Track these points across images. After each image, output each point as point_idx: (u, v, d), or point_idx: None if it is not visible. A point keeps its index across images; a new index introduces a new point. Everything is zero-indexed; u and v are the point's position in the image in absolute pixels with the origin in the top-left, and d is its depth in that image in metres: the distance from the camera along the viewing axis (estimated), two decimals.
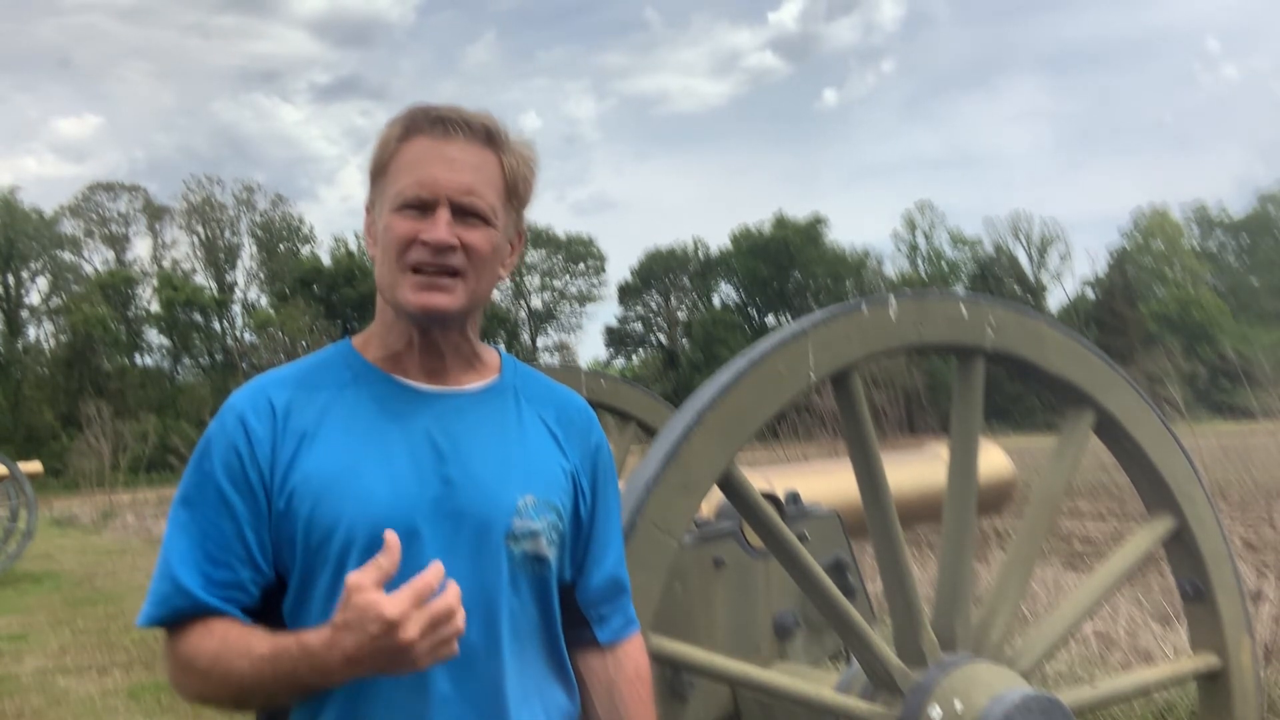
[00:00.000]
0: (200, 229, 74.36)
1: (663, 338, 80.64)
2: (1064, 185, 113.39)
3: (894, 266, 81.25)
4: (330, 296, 70.20)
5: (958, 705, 2.40)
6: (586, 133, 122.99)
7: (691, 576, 2.99)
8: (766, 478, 3.48)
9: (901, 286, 71.79)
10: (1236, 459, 13.99)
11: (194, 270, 74.37)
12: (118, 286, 69.64)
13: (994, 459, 4.36)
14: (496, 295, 1.93)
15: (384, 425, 1.61)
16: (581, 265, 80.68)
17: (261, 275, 75.27)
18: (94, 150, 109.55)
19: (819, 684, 2.66)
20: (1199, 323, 67.12)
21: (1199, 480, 2.90)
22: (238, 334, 72.23)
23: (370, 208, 1.70)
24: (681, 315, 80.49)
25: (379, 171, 1.66)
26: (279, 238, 76.01)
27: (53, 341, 68.85)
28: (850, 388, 2.49)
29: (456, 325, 1.66)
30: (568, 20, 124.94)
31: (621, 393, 5.42)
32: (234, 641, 1.51)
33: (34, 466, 19.10)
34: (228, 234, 75.18)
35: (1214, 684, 2.93)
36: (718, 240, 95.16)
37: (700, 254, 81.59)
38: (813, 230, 78.84)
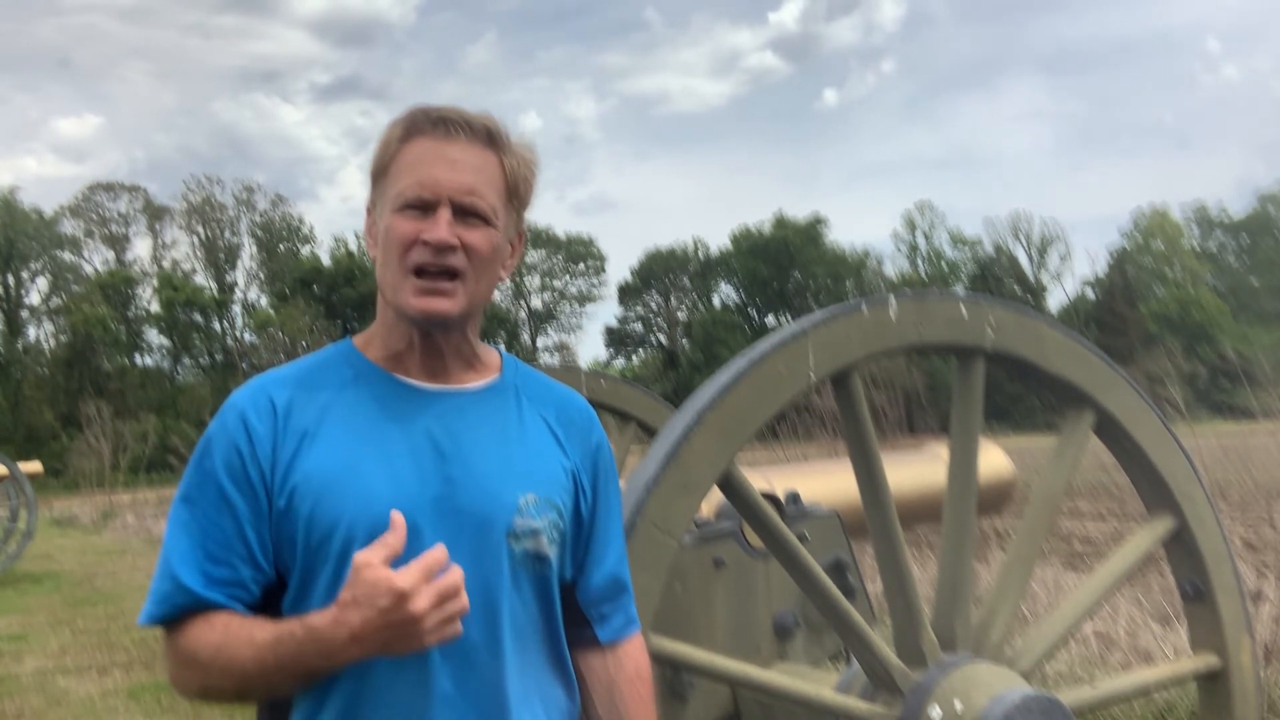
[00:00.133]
0: (200, 229, 74.40)
1: (663, 338, 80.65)
2: (1064, 185, 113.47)
3: (894, 266, 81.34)
4: (330, 296, 70.20)
5: (958, 705, 2.40)
6: (587, 133, 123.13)
7: (691, 576, 2.99)
8: (766, 478, 3.49)
9: (901, 286, 71.82)
10: (1236, 459, 13.99)
11: (194, 270, 74.43)
12: (118, 286, 69.65)
13: (994, 459, 4.36)
14: (496, 295, 1.93)
15: (385, 424, 1.61)
16: (581, 265, 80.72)
17: (261, 275, 75.31)
18: (94, 150, 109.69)
19: (819, 684, 2.66)
20: (1199, 323, 67.11)
21: (1199, 480, 2.90)
22: (238, 334, 72.28)
23: (371, 209, 1.70)
24: (681, 315, 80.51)
25: (380, 172, 1.66)
26: (279, 238, 76.01)
27: (53, 341, 68.91)
28: (850, 388, 2.49)
29: (457, 328, 1.66)
30: (568, 20, 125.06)
31: (621, 393, 5.42)
32: (235, 631, 1.52)
33: (34, 466, 19.11)
34: (228, 234, 75.21)
35: (1214, 684, 2.93)
36: (718, 240, 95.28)
37: (700, 254, 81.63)
38: (813, 230, 78.85)
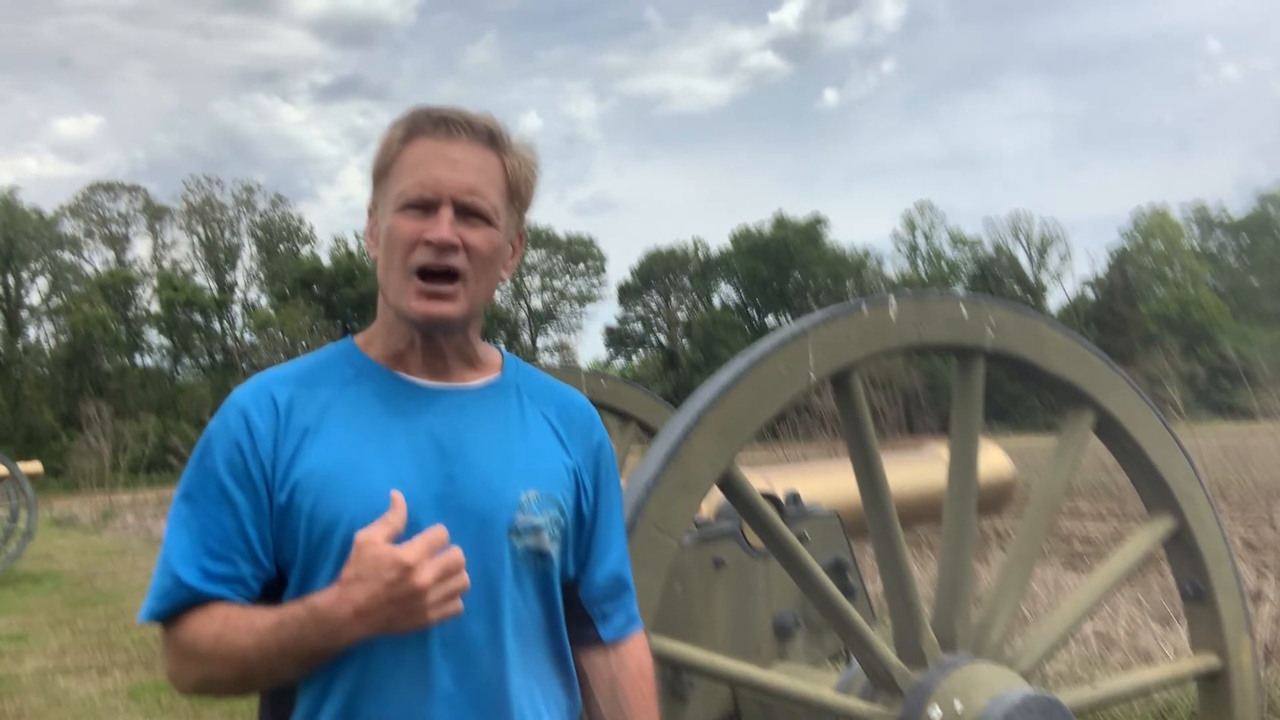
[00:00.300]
0: (200, 229, 74.40)
1: (663, 338, 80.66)
2: (1064, 185, 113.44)
3: (894, 267, 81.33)
4: (330, 296, 70.20)
5: (958, 705, 2.40)
6: (587, 133, 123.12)
7: (691, 576, 2.99)
8: (766, 478, 3.49)
9: (901, 286, 71.82)
10: (1236, 459, 13.98)
11: (194, 270, 74.43)
12: (118, 286, 69.64)
13: (994, 459, 4.36)
14: (497, 295, 1.94)
15: (386, 421, 1.62)
16: (581, 265, 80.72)
17: (261, 275, 75.30)
18: (94, 150, 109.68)
19: (819, 684, 2.66)
20: (1199, 323, 67.10)
21: (1199, 480, 2.90)
22: (238, 334, 72.28)
23: (372, 210, 1.70)
24: (681, 315, 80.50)
25: (381, 173, 1.66)
26: (279, 238, 76.01)
27: (53, 341, 68.89)
28: (850, 388, 2.49)
29: (458, 329, 1.67)
30: (568, 20, 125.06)
31: (622, 393, 5.42)
32: (236, 620, 1.52)
33: (34, 466, 19.11)
34: (228, 234, 75.21)
35: (1214, 684, 2.93)
36: (718, 240, 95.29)
37: (700, 254, 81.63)
38: (813, 230, 78.85)
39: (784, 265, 77.64)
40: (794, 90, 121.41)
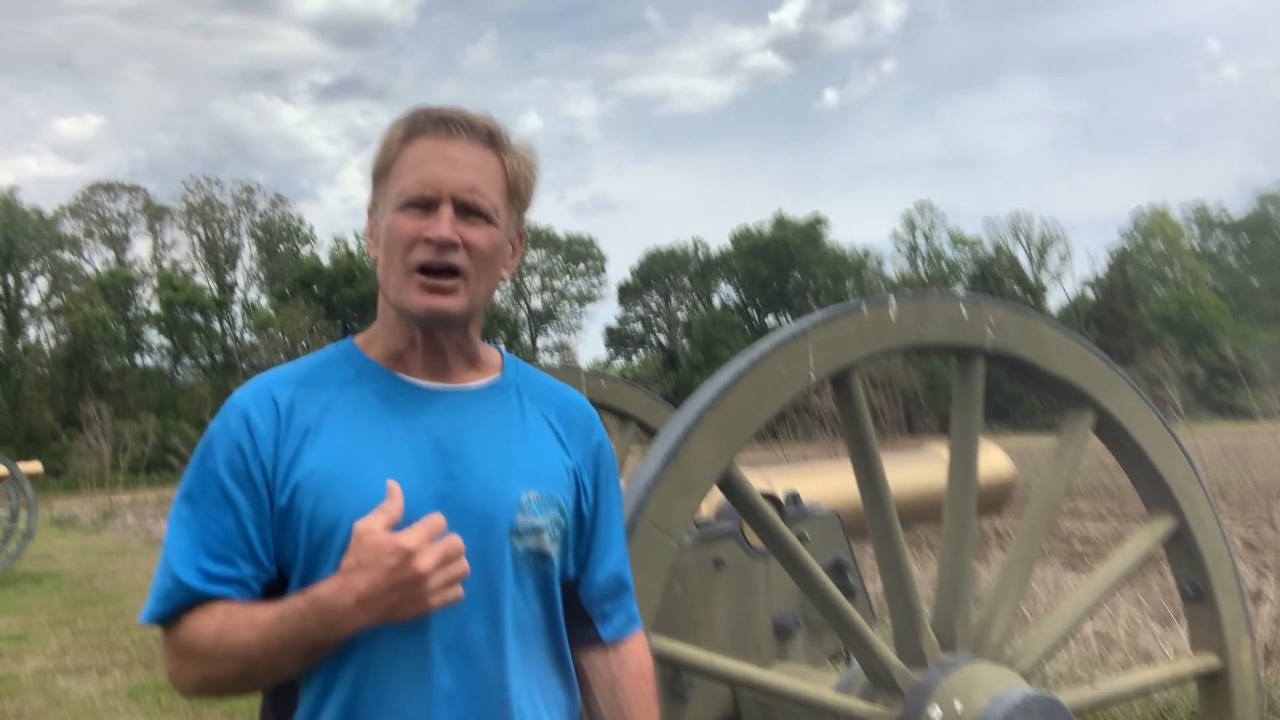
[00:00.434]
0: (200, 229, 74.40)
1: (663, 338, 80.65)
2: (1064, 185, 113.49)
3: (894, 267, 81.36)
4: (330, 297, 70.19)
5: (958, 705, 2.40)
6: (587, 133, 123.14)
7: (691, 576, 2.99)
8: (766, 478, 3.49)
9: (901, 287, 71.82)
10: (1236, 459, 13.99)
11: (194, 270, 74.44)
12: (118, 287, 69.63)
13: (994, 459, 4.36)
14: (496, 295, 1.94)
15: (387, 422, 1.62)
16: (581, 265, 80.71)
17: (261, 275, 75.30)
18: (94, 150, 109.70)
19: (819, 684, 2.66)
20: (1199, 323, 67.10)
21: (1199, 480, 2.90)
22: (238, 334, 72.28)
23: (372, 210, 1.70)
24: (681, 315, 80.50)
25: (381, 173, 1.67)
26: (279, 238, 76.00)
27: (53, 341, 68.88)
28: (850, 388, 2.49)
29: (459, 327, 1.67)
30: (568, 20, 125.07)
31: (622, 393, 5.42)
32: (237, 616, 1.52)
33: (34, 466, 19.10)
34: (228, 234, 75.21)
35: (1214, 684, 2.93)
36: (718, 240, 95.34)
37: (700, 254, 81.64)
38: (813, 230, 78.85)
39: (784, 265, 77.64)
40: (794, 90, 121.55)
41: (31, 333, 70.61)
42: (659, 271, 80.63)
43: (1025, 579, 2.79)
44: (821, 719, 2.62)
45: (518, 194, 1.69)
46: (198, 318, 71.73)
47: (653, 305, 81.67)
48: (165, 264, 73.93)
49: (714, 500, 2.94)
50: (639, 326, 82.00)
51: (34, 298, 71.19)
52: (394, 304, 1.64)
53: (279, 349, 60.34)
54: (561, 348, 78.49)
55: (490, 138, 1.65)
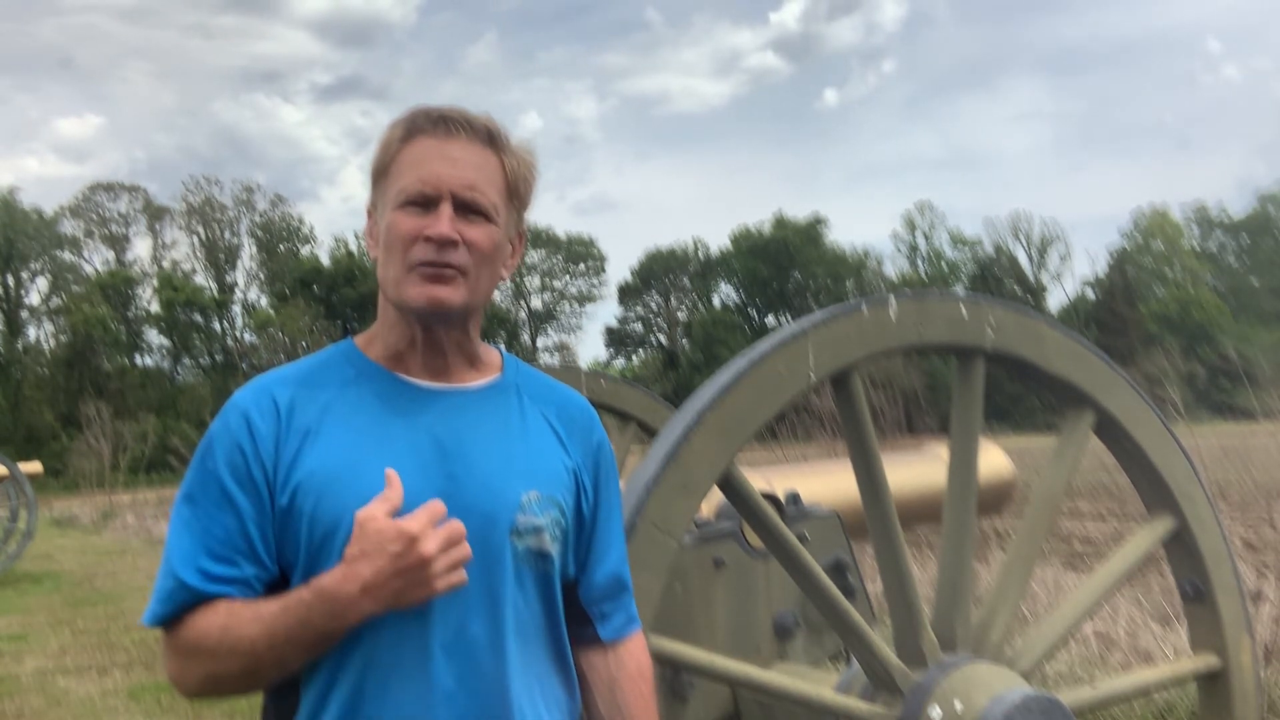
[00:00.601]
0: (200, 229, 74.39)
1: (663, 338, 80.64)
2: (1064, 185, 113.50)
3: (894, 267, 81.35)
4: (330, 297, 70.17)
5: (958, 705, 2.40)
6: (587, 133, 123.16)
7: (691, 576, 2.99)
8: (766, 478, 3.48)
9: (901, 287, 71.82)
10: (1236, 459, 13.98)
11: (194, 270, 74.42)
12: (118, 287, 69.62)
13: (994, 459, 4.36)
14: (496, 295, 1.95)
15: (387, 422, 1.62)
16: (581, 265, 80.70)
17: (261, 275, 75.29)
18: (95, 150, 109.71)
19: (819, 684, 2.66)
20: (1199, 323, 67.09)
21: (1199, 480, 2.90)
22: (238, 334, 72.26)
23: (372, 210, 1.71)
24: (681, 315, 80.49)
25: (381, 173, 1.67)
26: (279, 238, 75.99)
27: (53, 341, 68.84)
28: (850, 388, 2.49)
29: (459, 322, 1.67)
30: (568, 20, 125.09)
31: (621, 393, 5.42)
32: (240, 611, 1.52)
33: (34, 467, 19.09)
34: (228, 234, 75.20)
35: (1214, 684, 2.93)
36: (718, 240, 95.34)
37: (700, 254, 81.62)
38: (813, 230, 78.85)
39: (784, 265, 77.64)
40: (794, 90, 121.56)
41: (31, 333, 70.68)
42: (659, 271, 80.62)
43: (1025, 579, 2.79)
44: (821, 719, 2.62)
45: (517, 194, 1.70)
46: (198, 318, 71.71)
47: (653, 305, 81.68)
48: (165, 264, 73.98)
49: (714, 500, 2.93)
50: (639, 326, 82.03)
51: (34, 298, 71.27)
52: (394, 301, 1.64)
53: (279, 349, 60.35)
54: (561, 348, 78.53)
55: (490, 137, 1.66)
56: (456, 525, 1.50)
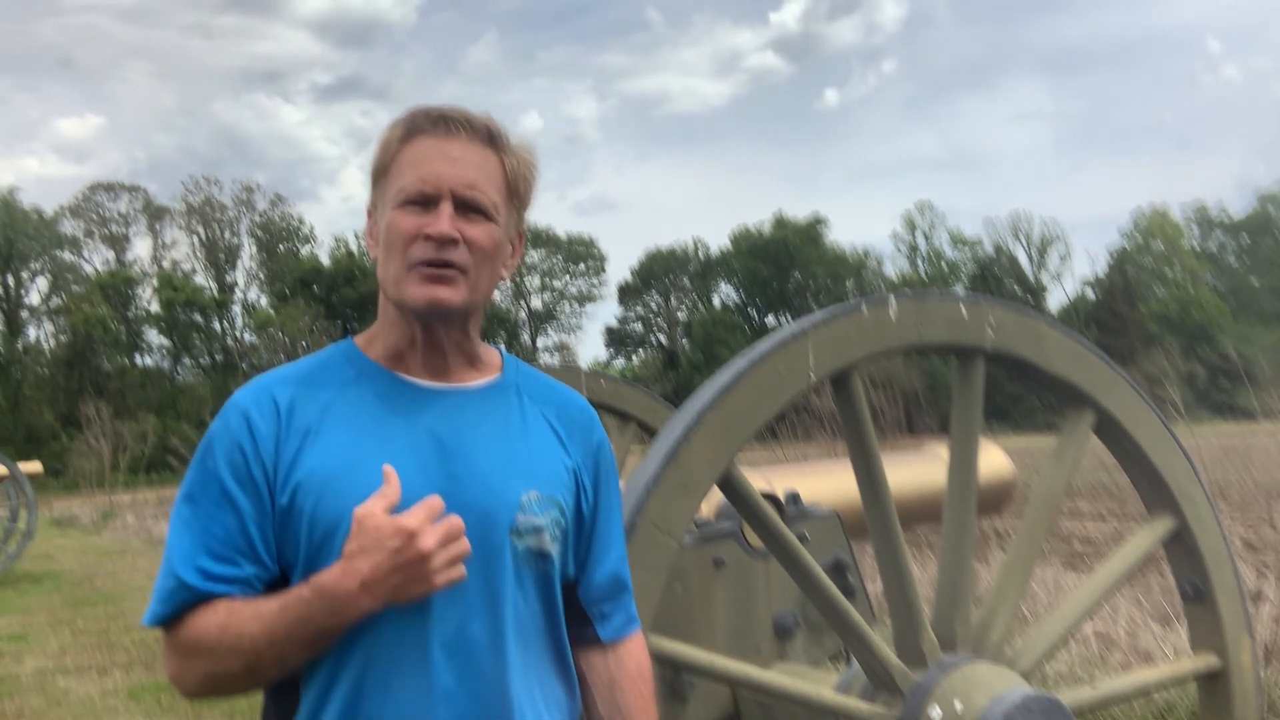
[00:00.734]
0: (200, 229, 74.39)
1: (663, 338, 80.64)
2: (1064, 185, 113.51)
3: (894, 267, 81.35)
4: (330, 297, 70.17)
5: (958, 705, 2.40)
6: (587, 133, 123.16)
7: (691, 576, 2.99)
8: (766, 478, 3.48)
9: (901, 287, 71.81)
10: (1236, 459, 13.99)
11: (194, 270, 74.43)
12: (118, 286, 69.62)
13: (994, 459, 4.36)
14: (496, 295, 1.95)
15: (387, 421, 1.62)
16: (581, 265, 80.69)
17: (261, 275, 75.29)
18: (95, 150, 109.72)
19: (819, 684, 2.66)
20: (1199, 323, 67.09)
21: (1199, 480, 2.90)
22: (238, 334, 72.27)
23: (372, 210, 1.71)
24: (681, 315, 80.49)
25: (380, 172, 1.67)
26: (279, 238, 76.00)
27: (53, 341, 68.85)
28: (850, 388, 2.49)
29: (459, 322, 1.67)
30: (569, 20, 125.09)
31: (622, 393, 5.42)
32: (240, 609, 1.52)
33: (34, 466, 19.10)
34: (228, 234, 75.21)
35: (1214, 684, 2.93)
36: (718, 240, 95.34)
37: (700, 254, 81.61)
38: (813, 230, 78.85)
39: (784, 265, 77.64)
40: (794, 90, 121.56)
41: (31, 333, 70.69)
42: (659, 271, 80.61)
43: (1025, 579, 2.79)
44: (821, 719, 2.62)
45: (517, 193, 1.70)
46: (198, 318, 71.71)
47: (653, 305, 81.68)
48: (165, 264, 73.98)
49: (714, 500, 2.93)
50: (639, 326, 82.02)
51: (34, 298, 71.27)
52: (394, 300, 1.64)
53: (279, 349, 60.36)
54: (561, 348, 78.53)
55: (490, 137, 1.66)
56: (455, 520, 1.50)
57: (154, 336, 71.68)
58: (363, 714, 1.54)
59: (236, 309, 74.03)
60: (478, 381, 1.71)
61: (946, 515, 2.64)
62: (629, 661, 1.77)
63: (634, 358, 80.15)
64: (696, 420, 2.32)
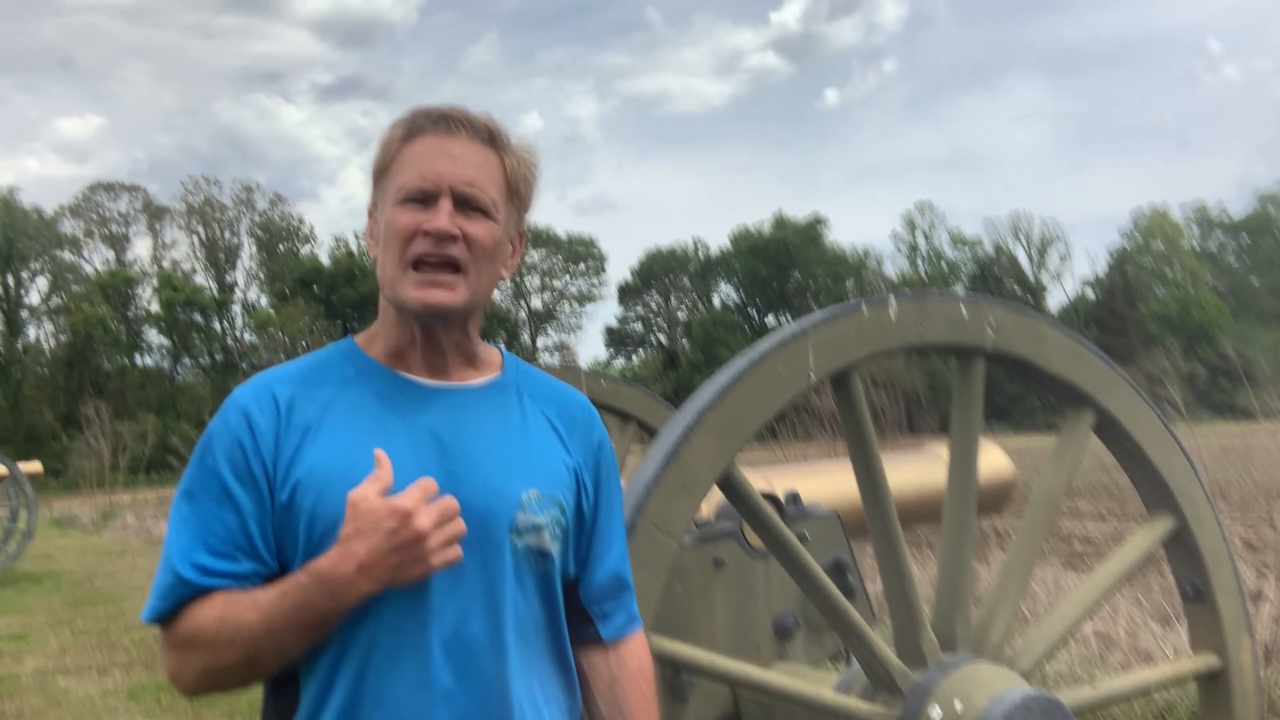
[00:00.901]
0: (200, 229, 74.39)
1: (663, 338, 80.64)
2: (1064, 185, 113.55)
3: (894, 267, 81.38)
4: (330, 296, 70.19)
5: (958, 705, 2.40)
6: (588, 133, 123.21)
7: (691, 576, 2.99)
8: (766, 478, 3.48)
9: (901, 286, 71.80)
10: (1236, 459, 14.00)
11: (194, 270, 74.44)
12: (118, 286, 69.62)
13: (994, 459, 4.36)
14: (496, 295, 1.96)
15: (387, 420, 1.62)
16: (581, 265, 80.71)
17: (261, 275, 75.30)
18: (95, 150, 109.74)
19: (819, 684, 2.66)
20: (1199, 323, 67.10)
21: (1199, 480, 2.90)
22: (238, 334, 72.29)
23: (372, 210, 1.71)
24: (681, 315, 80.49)
25: (381, 172, 1.67)
26: (279, 238, 76.00)
27: (53, 341, 68.87)
28: (850, 388, 2.49)
29: (458, 322, 1.67)
30: (569, 20, 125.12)
31: (622, 393, 5.42)
32: (237, 600, 1.52)
33: (34, 466, 19.10)
34: (228, 234, 75.20)
35: (1214, 684, 2.93)
36: (718, 240, 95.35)
37: (700, 254, 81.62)
38: (812, 230, 78.85)
39: (784, 265, 77.64)
40: (794, 90, 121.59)
41: (31, 333, 70.72)
42: (659, 271, 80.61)
43: (1025, 579, 2.79)
44: (821, 719, 2.62)
45: (517, 193, 1.70)
46: (198, 318, 71.74)
47: (653, 305, 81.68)
48: (165, 264, 74.01)
49: (714, 500, 2.93)
50: (639, 326, 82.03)
51: (34, 298, 71.30)
52: (392, 300, 1.64)
53: (279, 349, 60.38)
54: (561, 348, 78.54)
55: (490, 137, 1.66)
56: (450, 501, 1.50)
57: (154, 336, 71.80)
58: (362, 713, 1.54)
59: (236, 309, 74.14)
60: (478, 380, 1.71)
61: (946, 515, 2.64)
62: (630, 660, 1.77)
63: (634, 358, 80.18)
64: (696, 420, 2.32)
